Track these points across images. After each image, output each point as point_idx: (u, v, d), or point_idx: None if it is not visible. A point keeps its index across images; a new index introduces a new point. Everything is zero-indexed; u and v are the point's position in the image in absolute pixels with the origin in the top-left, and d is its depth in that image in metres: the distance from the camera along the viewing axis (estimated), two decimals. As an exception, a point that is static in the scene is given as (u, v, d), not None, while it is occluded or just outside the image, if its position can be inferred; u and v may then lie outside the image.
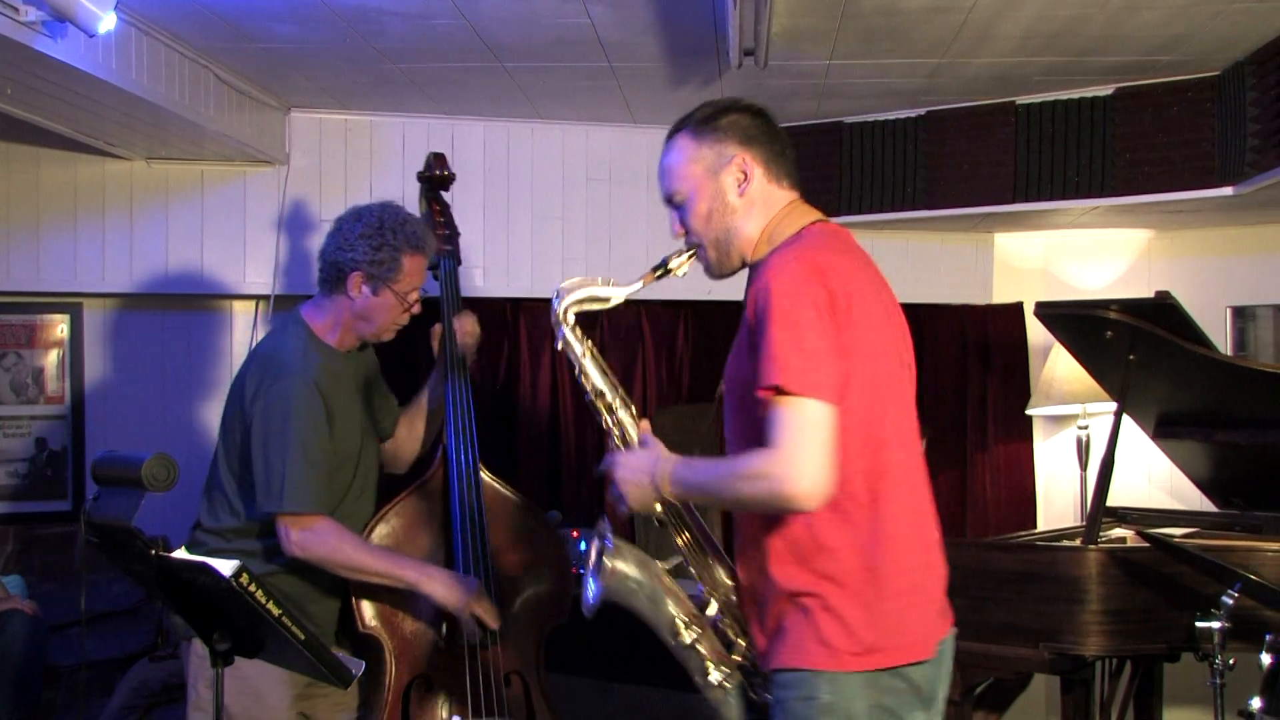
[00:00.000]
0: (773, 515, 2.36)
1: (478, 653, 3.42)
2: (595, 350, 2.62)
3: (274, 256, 5.33)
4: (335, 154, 5.40)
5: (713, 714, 2.55)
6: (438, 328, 3.67)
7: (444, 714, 3.39)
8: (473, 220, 5.43)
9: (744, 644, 2.52)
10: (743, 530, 2.48)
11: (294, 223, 5.34)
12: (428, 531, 3.52)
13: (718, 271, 2.59)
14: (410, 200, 5.37)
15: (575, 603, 3.61)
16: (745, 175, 2.49)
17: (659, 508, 2.52)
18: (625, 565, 2.49)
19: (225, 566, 2.43)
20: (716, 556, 2.58)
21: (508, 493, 3.66)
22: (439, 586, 3.29)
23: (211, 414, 5.45)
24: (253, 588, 2.45)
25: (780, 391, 2.21)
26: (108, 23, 3.43)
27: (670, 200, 2.58)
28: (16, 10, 3.38)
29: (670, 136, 2.60)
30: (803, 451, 2.19)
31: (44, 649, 4.81)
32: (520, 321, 5.54)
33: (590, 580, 2.49)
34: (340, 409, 3.29)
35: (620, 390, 2.63)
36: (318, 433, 3.19)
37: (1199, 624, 3.29)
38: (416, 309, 3.40)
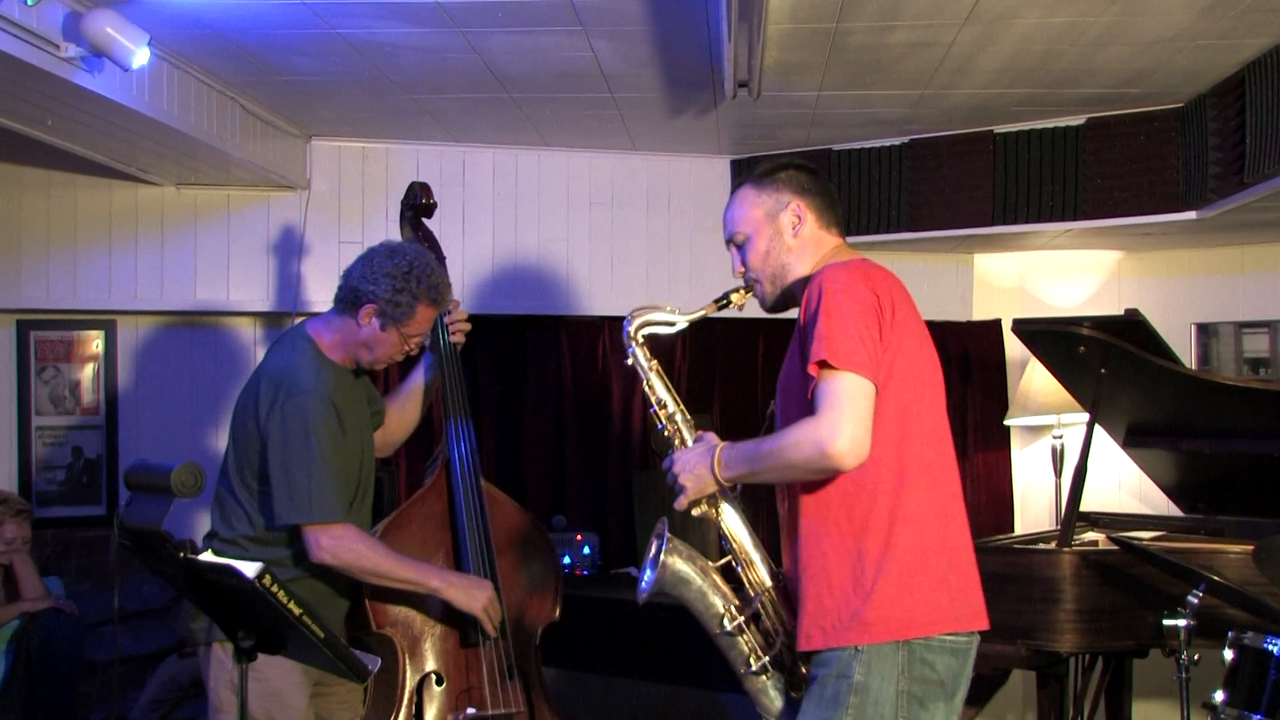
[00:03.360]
0: (810, 502, 2.46)
1: (489, 647, 3.41)
2: (660, 368, 2.78)
3: (295, 276, 5.34)
4: (353, 179, 5.41)
5: (752, 702, 2.65)
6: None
7: (455, 708, 3.39)
8: (482, 242, 5.44)
9: (783, 639, 2.59)
10: (787, 526, 2.57)
11: (314, 245, 5.35)
12: (435, 537, 3.50)
13: (770, 304, 2.73)
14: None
15: (566, 602, 3.64)
16: (799, 219, 2.65)
17: (714, 511, 2.63)
18: (680, 561, 2.61)
19: (249, 568, 2.43)
20: (761, 555, 2.66)
21: (503, 497, 3.65)
22: (459, 592, 3.27)
23: (237, 424, 5.47)
24: (275, 588, 2.46)
25: (825, 366, 2.33)
26: (141, 58, 3.45)
27: (733, 241, 2.72)
28: (57, 47, 3.41)
29: (734, 190, 2.75)
30: (843, 414, 2.30)
31: (80, 645, 4.81)
32: (527, 338, 5.54)
33: (647, 571, 2.61)
34: (350, 423, 3.26)
35: (680, 403, 2.76)
36: (336, 446, 3.17)
37: (1166, 622, 3.30)
38: (414, 353, 3.37)
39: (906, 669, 2.38)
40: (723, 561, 2.66)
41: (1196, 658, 3.29)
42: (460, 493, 3.50)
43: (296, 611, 2.50)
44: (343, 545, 3.14)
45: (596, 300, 5.52)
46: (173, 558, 2.61)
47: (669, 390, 2.76)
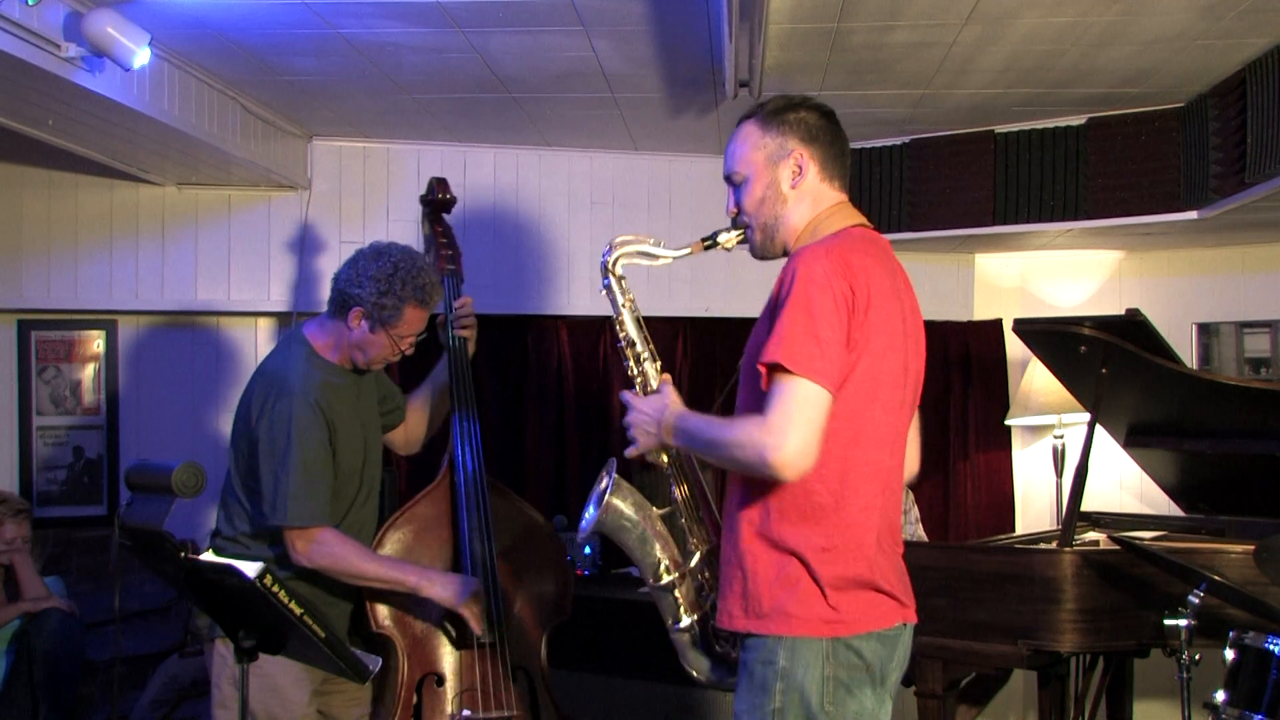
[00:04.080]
0: (752, 486, 2.40)
1: (487, 648, 3.41)
2: (635, 303, 2.68)
3: (296, 276, 5.34)
4: (354, 179, 5.41)
5: (678, 656, 2.61)
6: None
7: (454, 709, 3.39)
8: (483, 241, 5.44)
9: (714, 597, 2.54)
10: (727, 500, 2.51)
11: (315, 244, 5.35)
12: (437, 536, 3.51)
13: (760, 253, 2.61)
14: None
15: (577, 602, 3.63)
16: (800, 169, 2.53)
17: (664, 456, 2.58)
18: (623, 503, 2.56)
19: (250, 568, 2.43)
20: (707, 514, 2.62)
21: (512, 497, 3.66)
22: (438, 589, 3.27)
23: (238, 424, 5.47)
24: (276, 588, 2.46)
25: (781, 369, 2.25)
26: (142, 58, 3.45)
27: (729, 179, 2.60)
28: (58, 47, 3.41)
29: (740, 122, 2.60)
30: (791, 425, 2.23)
31: (81, 645, 4.81)
32: (528, 337, 5.54)
33: (590, 508, 2.56)
34: (342, 423, 3.26)
35: (650, 344, 2.67)
36: (320, 449, 3.17)
37: (1167, 622, 3.29)
38: (409, 352, 3.35)
39: (831, 656, 2.35)
40: (665, 510, 2.61)
41: (1198, 658, 3.29)
42: (462, 489, 3.50)
43: (298, 611, 2.50)
44: (318, 549, 3.16)
45: (598, 300, 5.44)
46: (173, 557, 2.62)
47: (640, 329, 2.67)
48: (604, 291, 2.68)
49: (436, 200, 3.83)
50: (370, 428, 3.44)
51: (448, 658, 3.43)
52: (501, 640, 3.42)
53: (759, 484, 2.38)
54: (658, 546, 2.57)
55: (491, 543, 3.46)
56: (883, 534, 2.43)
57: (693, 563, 2.58)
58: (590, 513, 2.56)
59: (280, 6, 3.60)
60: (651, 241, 2.64)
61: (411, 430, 3.69)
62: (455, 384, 3.59)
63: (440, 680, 3.40)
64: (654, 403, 2.55)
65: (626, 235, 2.66)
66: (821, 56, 3.98)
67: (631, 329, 2.67)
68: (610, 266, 2.65)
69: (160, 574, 3.13)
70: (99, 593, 5.28)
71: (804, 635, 2.34)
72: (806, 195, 2.54)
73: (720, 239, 2.62)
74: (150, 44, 3.46)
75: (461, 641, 3.42)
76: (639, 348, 2.66)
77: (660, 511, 2.60)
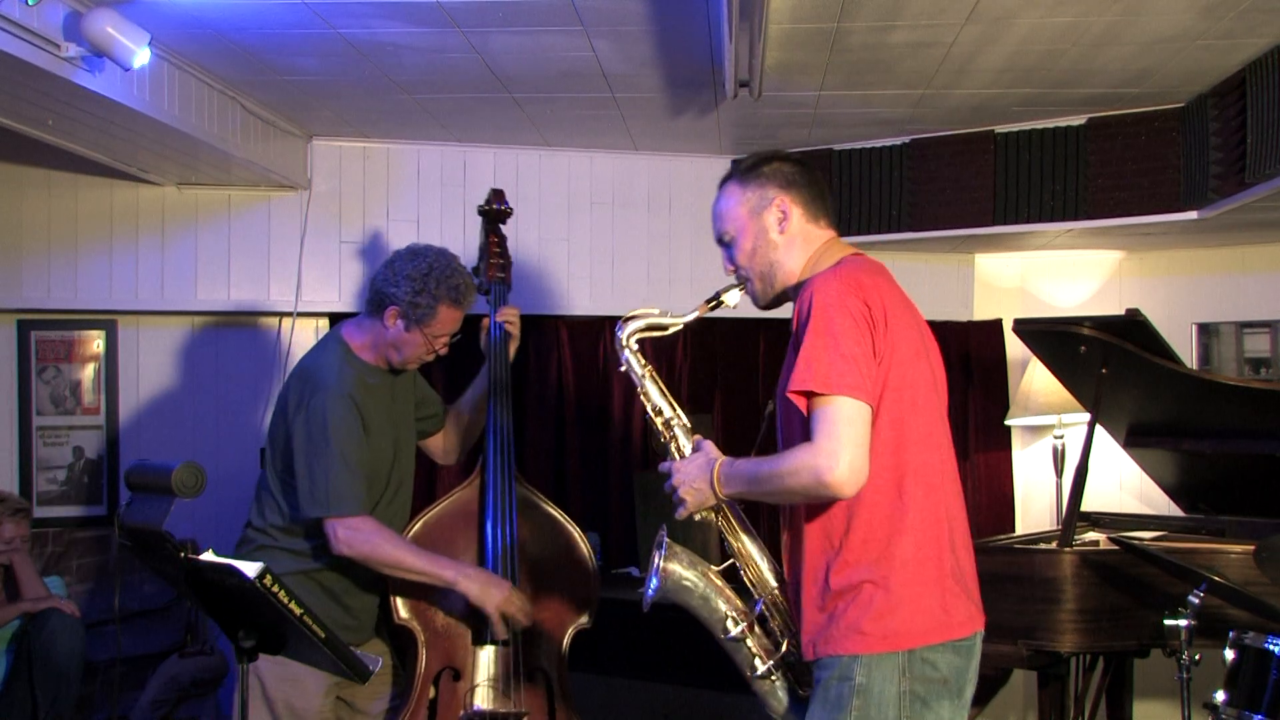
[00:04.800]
0: (810, 512, 2.44)
1: (496, 648, 3.45)
2: (654, 373, 2.74)
3: (296, 276, 5.34)
4: (354, 179, 5.41)
5: (760, 705, 2.64)
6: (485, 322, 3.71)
7: (468, 703, 3.41)
8: (484, 242, 5.44)
9: (788, 640, 2.58)
10: (787, 530, 2.55)
11: (315, 244, 5.35)
12: (463, 534, 3.55)
13: (763, 302, 2.68)
14: (428, 222, 5.42)
15: (599, 606, 3.65)
16: (784, 214, 2.59)
17: (713, 514, 2.62)
18: (679, 567, 2.61)
19: (249, 568, 2.43)
20: (764, 558, 2.65)
21: (543, 502, 3.69)
22: (474, 585, 3.30)
23: (237, 424, 5.47)
24: (275, 588, 2.46)
25: (813, 395, 2.30)
26: (142, 58, 3.45)
27: (721, 240, 2.68)
28: (58, 46, 3.41)
29: (721, 185, 2.69)
30: (839, 443, 2.28)
31: (81, 645, 4.80)
32: (528, 338, 5.54)
33: (652, 579, 2.60)
34: (374, 419, 3.34)
35: (676, 408, 2.73)
36: (355, 441, 3.25)
37: (1167, 622, 3.30)
38: (443, 352, 3.43)
39: (907, 670, 2.37)
40: (725, 565, 2.65)
41: (1197, 658, 3.29)
42: (491, 489, 3.55)
43: (297, 611, 2.51)
44: (358, 537, 3.22)
45: (597, 300, 5.52)
46: (173, 558, 2.62)
47: (664, 396, 2.72)
48: (623, 368, 2.74)
49: (493, 211, 3.91)
50: (402, 429, 3.51)
51: (465, 652, 3.47)
52: (516, 638, 3.45)
53: (817, 509, 2.43)
54: (721, 601, 2.61)
55: (514, 542, 3.50)
56: (955, 537, 2.47)
57: (759, 609, 2.61)
58: (653, 584, 2.60)
59: (280, 6, 3.60)
60: (658, 313, 2.71)
61: (450, 439, 3.78)
62: (493, 385, 3.64)
63: (457, 675, 3.45)
64: (697, 461, 2.58)
65: (635, 310, 2.73)
66: (821, 56, 3.98)
67: (657, 397, 2.72)
68: (625, 342, 2.72)
69: (160, 574, 3.14)
70: (99, 593, 5.28)
71: (879, 651, 2.36)
72: (796, 238, 2.60)
73: (724, 297, 2.68)
74: (150, 44, 3.46)
75: (480, 637, 3.45)
76: (666, 414, 2.71)
77: (720, 567, 2.65)
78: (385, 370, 3.43)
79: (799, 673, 2.58)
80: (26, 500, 5.16)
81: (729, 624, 2.59)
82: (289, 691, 3.25)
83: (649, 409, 2.72)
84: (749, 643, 2.59)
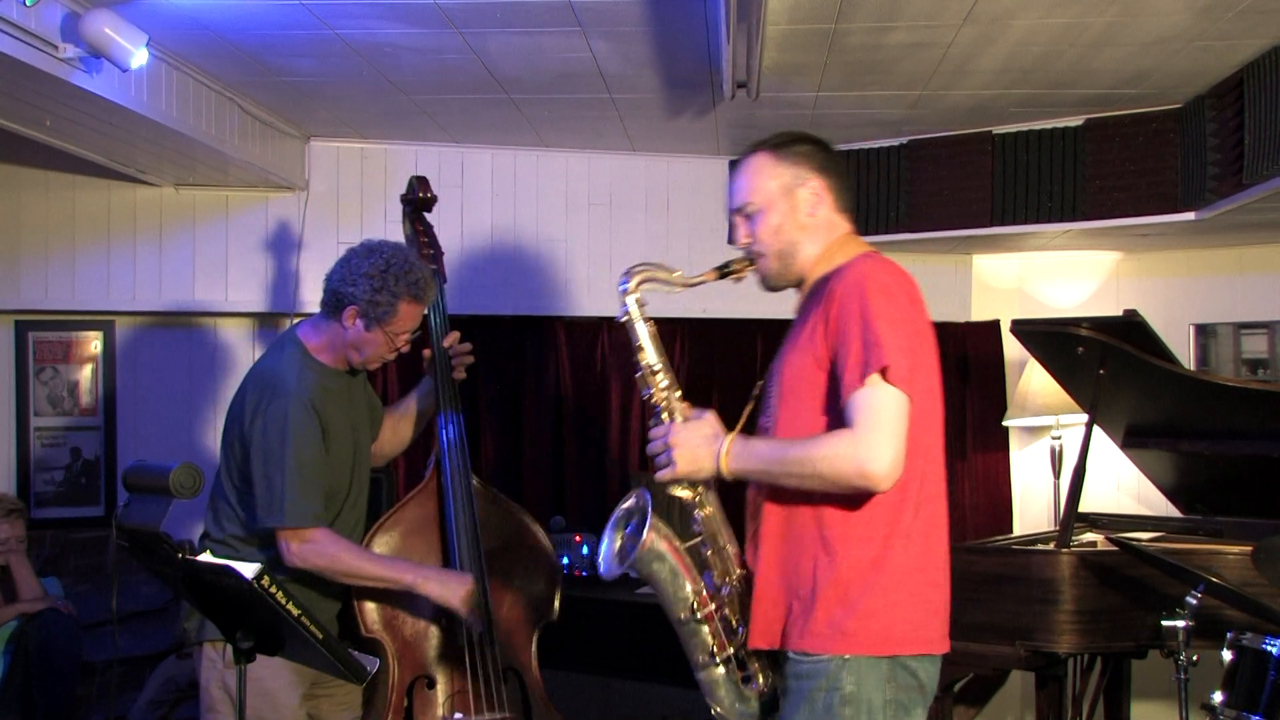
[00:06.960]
0: (810, 501, 2.38)
1: (477, 650, 3.39)
2: (655, 331, 2.60)
3: (294, 277, 5.34)
4: (352, 180, 5.41)
5: (704, 694, 2.55)
6: (428, 351, 3.59)
7: (445, 712, 3.38)
8: (481, 242, 5.44)
9: (743, 632, 2.51)
10: (767, 520, 2.47)
11: (313, 245, 5.35)
12: (425, 537, 3.49)
13: (773, 283, 2.60)
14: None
15: (565, 603, 3.62)
16: (819, 198, 2.54)
17: (689, 489, 2.52)
18: (659, 540, 2.49)
19: (248, 569, 2.43)
20: (731, 541, 2.57)
21: (498, 497, 3.65)
22: (435, 585, 3.25)
23: (236, 425, 5.46)
24: (273, 589, 2.46)
25: (883, 375, 2.25)
26: (140, 58, 3.45)
27: (741, 210, 2.59)
28: (56, 47, 3.41)
29: (748, 154, 2.61)
30: (885, 435, 2.24)
31: (78, 646, 4.80)
32: (526, 339, 5.54)
33: (627, 547, 2.50)
34: (334, 424, 3.26)
35: (670, 369, 2.60)
36: (314, 450, 3.16)
37: (1165, 623, 3.30)
38: (405, 349, 3.33)
39: (892, 678, 2.35)
40: (693, 542, 2.54)
41: (1195, 659, 3.29)
42: (449, 489, 3.49)
43: (295, 612, 2.50)
44: (312, 549, 3.15)
45: (595, 301, 5.51)
46: (171, 558, 2.61)
47: (661, 355, 2.58)
48: (623, 318, 2.59)
49: (418, 199, 3.78)
50: (360, 430, 3.43)
51: (438, 660, 3.42)
52: (492, 640, 3.40)
53: (818, 499, 2.38)
54: (688, 581, 2.50)
55: (478, 541, 3.45)
56: (936, 547, 2.43)
57: (726, 592, 2.53)
58: (616, 544, 2.50)
59: (278, 7, 3.60)
60: (669, 270, 2.59)
61: (383, 445, 3.64)
62: (441, 387, 3.57)
63: (431, 683, 3.39)
64: (702, 430, 2.48)
65: (645, 261, 2.62)
66: (819, 57, 3.98)
67: (654, 356, 2.57)
68: (631, 290, 2.57)
69: (158, 575, 3.13)
70: (96, 594, 5.28)
71: (863, 654, 2.33)
72: (822, 225, 2.55)
73: (733, 268, 2.60)
74: (148, 45, 3.46)
75: (453, 640, 3.40)
76: (661, 374, 2.57)
77: (687, 544, 2.53)
78: (343, 372, 3.34)
79: (747, 665, 2.52)
80: (23, 501, 5.15)
81: (695, 605, 2.48)
82: (259, 705, 3.15)
83: (643, 366, 2.57)
84: (708, 628, 2.49)
